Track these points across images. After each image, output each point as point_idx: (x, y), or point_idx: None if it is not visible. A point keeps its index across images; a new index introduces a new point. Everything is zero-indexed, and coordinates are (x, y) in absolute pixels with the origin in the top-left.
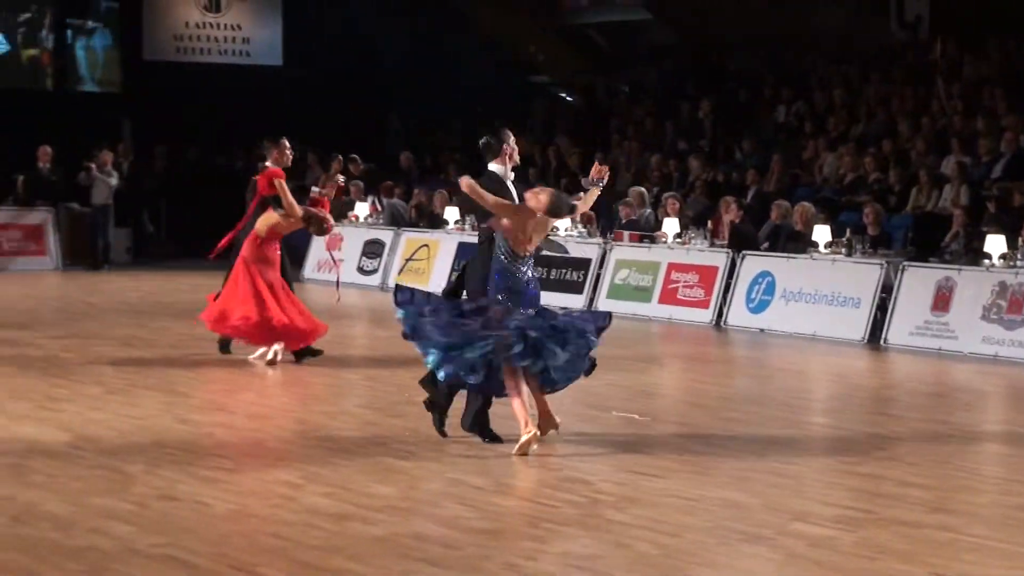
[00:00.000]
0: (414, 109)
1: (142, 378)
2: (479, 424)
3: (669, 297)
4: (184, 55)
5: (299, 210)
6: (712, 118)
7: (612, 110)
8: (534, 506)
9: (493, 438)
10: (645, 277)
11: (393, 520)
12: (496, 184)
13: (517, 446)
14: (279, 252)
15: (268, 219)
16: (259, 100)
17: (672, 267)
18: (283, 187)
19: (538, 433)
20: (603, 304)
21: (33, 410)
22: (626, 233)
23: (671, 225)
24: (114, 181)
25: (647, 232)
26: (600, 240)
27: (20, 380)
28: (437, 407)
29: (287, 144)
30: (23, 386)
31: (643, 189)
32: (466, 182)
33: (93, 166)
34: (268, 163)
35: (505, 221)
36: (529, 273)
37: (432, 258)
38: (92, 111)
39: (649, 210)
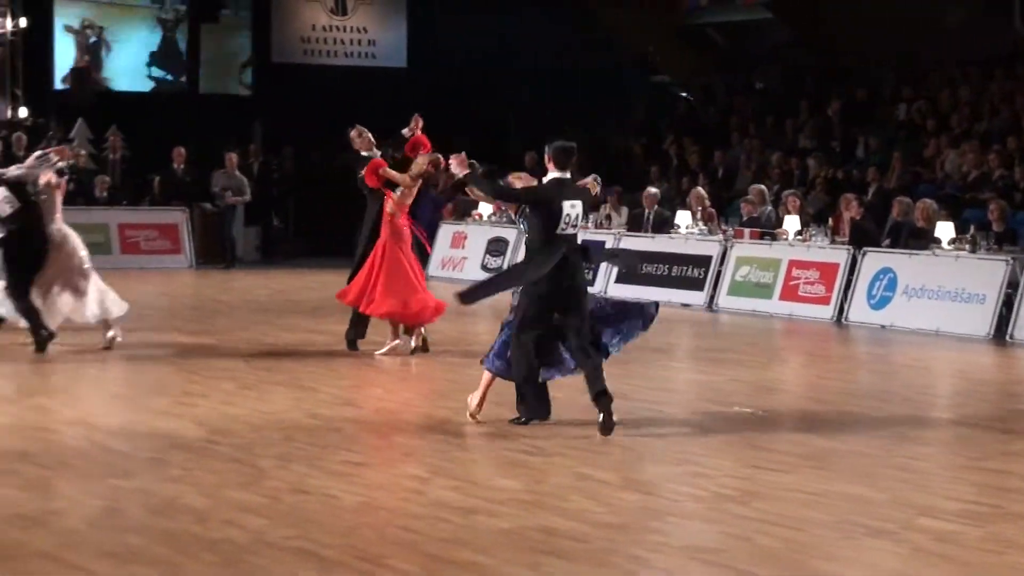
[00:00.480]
0: (537, 109)
1: (272, 374)
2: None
3: (790, 294)
4: (311, 57)
5: (411, 175)
6: (840, 116)
7: (732, 108)
8: (658, 500)
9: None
10: (766, 274)
11: (519, 513)
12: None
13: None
14: (408, 228)
15: (391, 199)
16: (383, 101)
17: (793, 264)
18: (386, 170)
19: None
20: (724, 301)
21: (170, 405)
22: (747, 230)
23: (792, 222)
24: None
25: (768, 229)
26: (721, 237)
27: (158, 376)
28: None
29: (360, 128)
30: (161, 382)
31: (763, 187)
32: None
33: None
34: (363, 153)
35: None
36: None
37: None
38: (224, 113)
39: (770, 207)
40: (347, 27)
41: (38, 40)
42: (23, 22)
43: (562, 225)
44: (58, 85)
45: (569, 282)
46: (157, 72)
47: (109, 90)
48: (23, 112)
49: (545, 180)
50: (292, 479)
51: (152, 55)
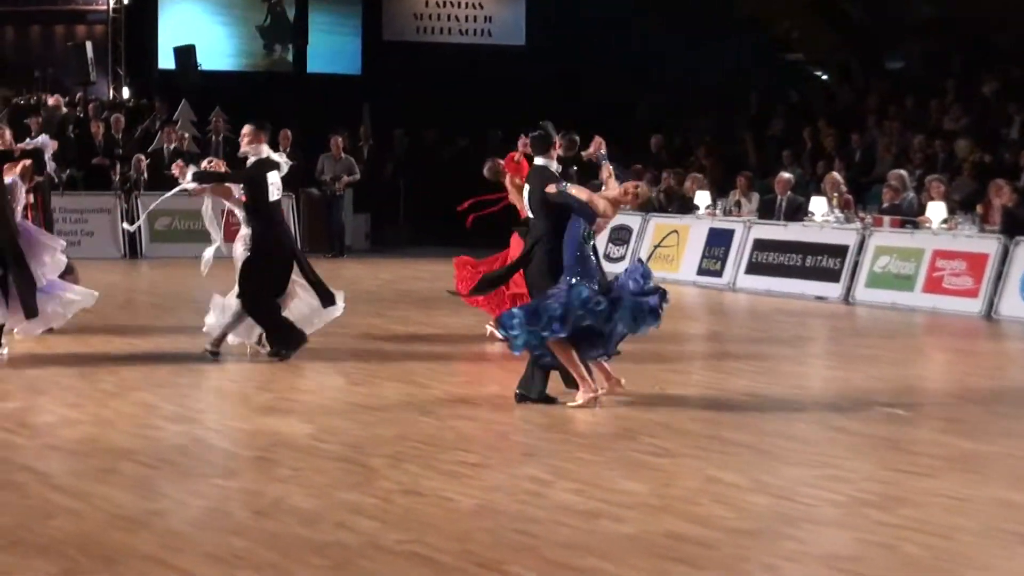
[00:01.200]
0: (665, 90)
1: (383, 369)
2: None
3: (934, 286)
4: (424, 35)
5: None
6: (992, 96)
7: (870, 89)
8: (793, 505)
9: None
10: (907, 264)
11: (645, 518)
12: (550, 177)
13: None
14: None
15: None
16: (500, 81)
17: (937, 254)
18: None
19: (601, 391)
20: (862, 293)
21: (277, 401)
22: (887, 218)
23: (936, 210)
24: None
25: (910, 217)
26: (858, 225)
27: (262, 371)
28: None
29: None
30: (265, 377)
31: (904, 172)
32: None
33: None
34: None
35: (604, 210)
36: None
37: (682, 244)
38: (332, 94)
39: (912, 194)
40: (462, 3)
41: (142, 18)
42: None
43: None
44: (162, 64)
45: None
46: (262, 50)
47: (213, 70)
48: (125, 92)
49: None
50: (405, 480)
51: (259, 29)
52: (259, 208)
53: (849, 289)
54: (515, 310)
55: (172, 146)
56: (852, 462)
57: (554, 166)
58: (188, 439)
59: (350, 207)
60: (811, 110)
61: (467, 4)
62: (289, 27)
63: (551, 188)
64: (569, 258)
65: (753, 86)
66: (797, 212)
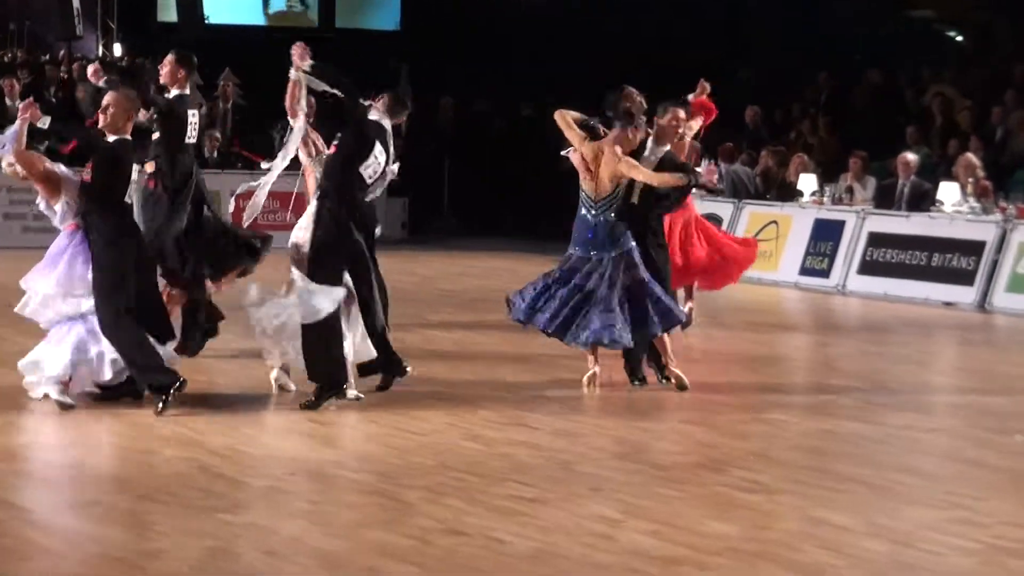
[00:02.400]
0: (766, 57)
1: (429, 384)
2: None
3: None
4: None
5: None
6: None
7: (1016, 54)
8: (916, 554)
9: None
10: None
11: (737, 566)
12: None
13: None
14: None
15: None
16: (565, 40)
17: None
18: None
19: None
20: (1001, 299)
21: (294, 422)
22: None
23: None
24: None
25: None
26: (999, 217)
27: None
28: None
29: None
30: (281, 393)
31: None
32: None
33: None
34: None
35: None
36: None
37: (782, 238)
38: (364, 54)
39: None
40: None
41: None
42: None
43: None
44: (161, 17)
45: None
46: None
47: (223, 24)
48: (117, 49)
49: None
50: (447, 517)
51: None
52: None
53: (986, 294)
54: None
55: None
56: (988, 503)
57: None
58: (189, 466)
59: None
60: (943, 79)
61: None
62: None
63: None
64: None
65: (870, 50)
66: (922, 201)
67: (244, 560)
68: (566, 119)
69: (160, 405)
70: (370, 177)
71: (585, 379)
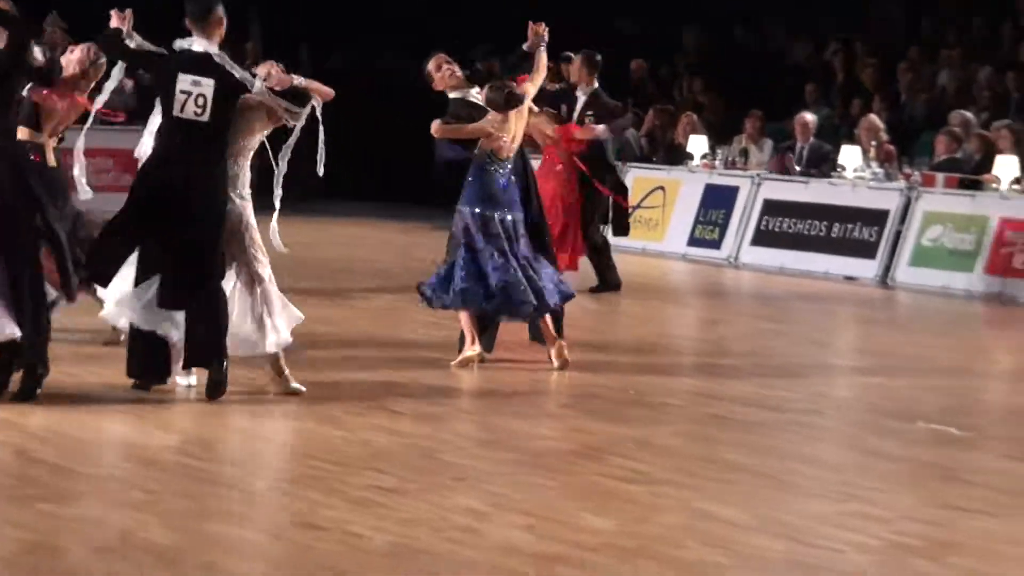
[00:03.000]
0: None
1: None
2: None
3: (1001, 265)
4: None
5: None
6: None
7: (923, 7)
8: (811, 551)
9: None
10: (966, 237)
11: (615, 564)
12: (466, 107)
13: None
14: None
15: None
16: None
17: (1006, 224)
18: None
19: (480, 352)
20: (905, 272)
21: (129, 404)
22: (940, 175)
23: (1006, 166)
24: None
25: (971, 175)
26: (903, 185)
27: (111, 361)
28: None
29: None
30: (115, 369)
31: (968, 114)
32: (436, 128)
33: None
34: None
35: (491, 136)
36: (507, 176)
37: (669, 205)
38: None
39: (974, 144)
40: None
41: None
42: None
43: None
44: None
45: None
46: None
47: None
48: None
49: None
50: (299, 509)
51: None
52: None
53: (888, 268)
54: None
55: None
56: (889, 495)
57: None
58: (7, 451)
59: None
60: (846, 32)
61: None
62: None
63: (433, 127)
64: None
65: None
66: (822, 165)
67: (70, 557)
68: (452, 131)
69: None
70: None
71: (461, 361)
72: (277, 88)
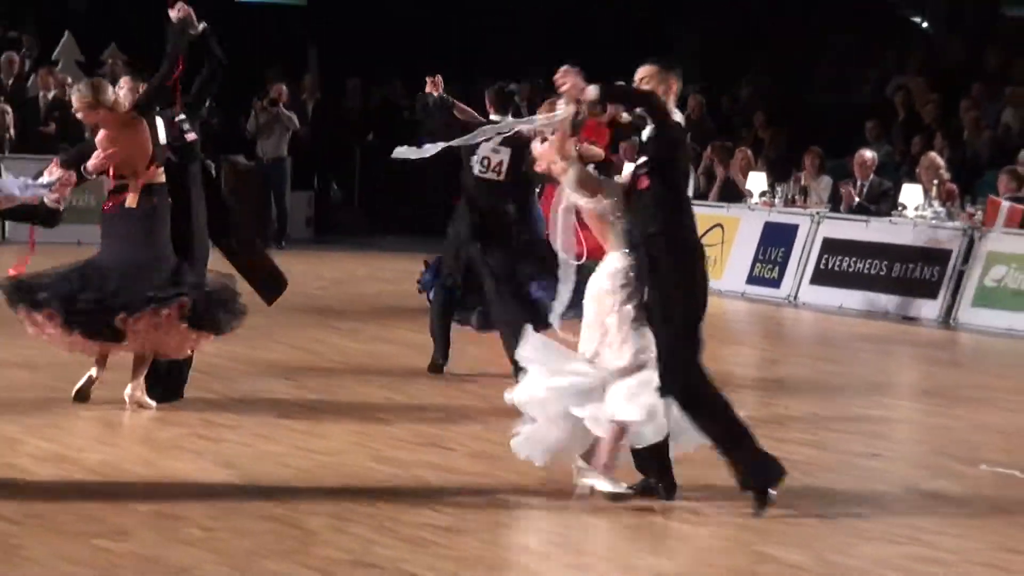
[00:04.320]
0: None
1: (328, 398)
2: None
3: None
4: None
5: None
6: None
7: (989, 42)
8: None
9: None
10: None
11: None
12: None
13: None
14: None
15: None
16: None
17: None
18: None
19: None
20: (967, 314)
21: (186, 439)
22: (1004, 210)
23: None
24: (292, 126)
25: None
26: (966, 224)
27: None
28: None
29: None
30: (172, 405)
31: None
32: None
33: (264, 103)
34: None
35: None
36: None
37: (727, 243)
38: (266, 30)
39: None
40: None
41: None
42: None
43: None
44: None
45: None
46: None
47: None
48: None
49: None
50: (353, 547)
51: None
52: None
53: (951, 308)
54: None
55: (51, 94)
56: (952, 539)
57: None
58: (64, 487)
59: (288, 182)
60: (906, 68)
61: None
62: None
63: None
64: None
65: (830, 34)
66: (882, 202)
67: None
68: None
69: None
70: None
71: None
72: None
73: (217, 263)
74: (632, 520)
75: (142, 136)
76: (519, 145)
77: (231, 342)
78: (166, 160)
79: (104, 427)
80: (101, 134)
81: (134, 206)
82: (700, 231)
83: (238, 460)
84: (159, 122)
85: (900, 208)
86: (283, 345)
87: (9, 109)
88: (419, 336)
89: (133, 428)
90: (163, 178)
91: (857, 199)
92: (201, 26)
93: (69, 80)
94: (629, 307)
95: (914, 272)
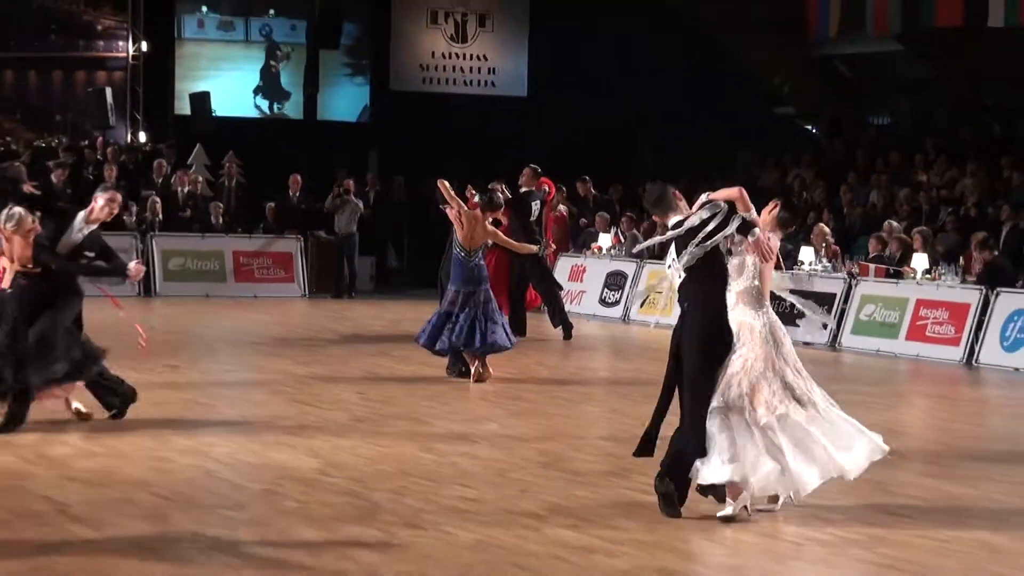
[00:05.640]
0: (665, 139)
1: (386, 406)
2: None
3: (917, 334)
4: (430, 85)
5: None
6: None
7: (859, 142)
8: (780, 543)
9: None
10: (892, 313)
11: (638, 554)
12: None
13: None
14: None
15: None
16: (503, 131)
17: (921, 303)
18: None
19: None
20: (848, 340)
21: (284, 436)
22: (872, 267)
23: (920, 260)
24: (359, 209)
25: (894, 267)
26: (845, 275)
27: (271, 407)
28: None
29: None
30: (274, 413)
31: (893, 223)
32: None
33: (342, 189)
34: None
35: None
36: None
37: (675, 291)
38: (341, 141)
39: (895, 245)
40: (467, 55)
41: (159, 65)
42: (144, 46)
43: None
44: (178, 110)
45: None
46: (262, 102)
47: (227, 116)
48: (142, 136)
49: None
50: (406, 514)
51: (258, 88)
52: None
53: (836, 336)
54: None
55: (186, 189)
56: (838, 503)
57: None
58: (199, 471)
59: (357, 250)
60: (801, 163)
61: (471, 56)
62: (280, 87)
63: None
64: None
65: (745, 139)
66: (786, 260)
67: (243, 548)
68: (447, 189)
69: None
70: None
71: (473, 377)
72: None
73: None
74: (607, 492)
75: None
76: None
77: (315, 365)
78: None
79: (226, 428)
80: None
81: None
82: (654, 281)
83: (322, 451)
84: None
85: (799, 264)
86: (355, 368)
87: (158, 199)
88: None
89: (247, 428)
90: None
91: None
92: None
93: (199, 179)
94: None
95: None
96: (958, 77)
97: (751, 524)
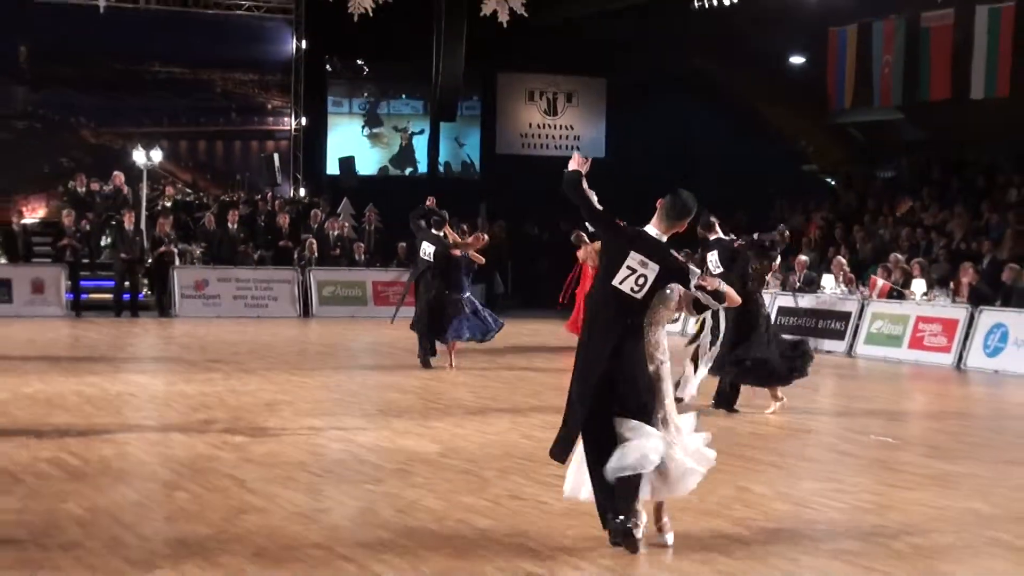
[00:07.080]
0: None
1: (494, 402)
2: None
3: (916, 344)
4: (528, 149)
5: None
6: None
7: (869, 192)
8: (807, 511)
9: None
10: (896, 327)
11: (694, 519)
12: None
13: None
14: None
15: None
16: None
17: (920, 319)
18: None
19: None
20: (861, 349)
21: (412, 426)
22: (879, 282)
23: (918, 285)
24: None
25: (899, 290)
26: (859, 296)
27: (402, 403)
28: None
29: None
30: (403, 408)
31: (896, 255)
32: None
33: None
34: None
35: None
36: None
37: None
38: (459, 194)
39: (899, 272)
40: (557, 125)
41: (315, 135)
42: (304, 121)
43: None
44: (329, 171)
45: None
46: (395, 170)
47: (369, 175)
48: (302, 191)
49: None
50: (511, 488)
51: (393, 159)
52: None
53: (851, 346)
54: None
55: (335, 233)
56: (853, 478)
57: None
58: (346, 454)
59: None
60: (821, 208)
61: (560, 125)
62: (413, 155)
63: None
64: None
65: (777, 190)
66: (811, 285)
67: (381, 515)
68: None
69: None
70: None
71: None
72: (707, 288)
73: None
74: None
75: None
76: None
77: (437, 369)
78: None
79: (367, 420)
80: None
81: None
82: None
83: (442, 438)
84: None
85: (822, 288)
86: (468, 374)
87: (314, 241)
88: (549, 364)
89: (383, 420)
90: None
91: (797, 284)
92: None
93: (346, 225)
94: None
95: (830, 324)
96: (948, 139)
97: (784, 496)
